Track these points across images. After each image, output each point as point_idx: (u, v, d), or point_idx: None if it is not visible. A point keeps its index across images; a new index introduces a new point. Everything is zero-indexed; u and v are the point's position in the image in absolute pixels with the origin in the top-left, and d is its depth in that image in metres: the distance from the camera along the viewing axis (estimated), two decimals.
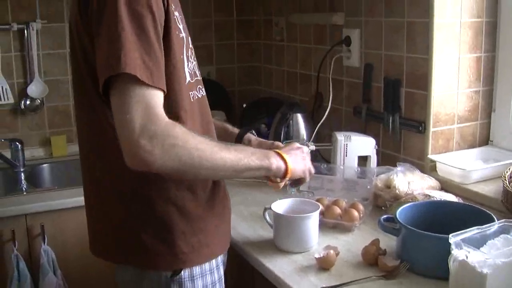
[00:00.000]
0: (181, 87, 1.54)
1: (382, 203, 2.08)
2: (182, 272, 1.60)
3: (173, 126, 1.40)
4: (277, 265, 1.74)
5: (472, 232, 1.52)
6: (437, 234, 1.57)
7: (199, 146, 1.44)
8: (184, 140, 1.41)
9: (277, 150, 1.67)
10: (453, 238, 1.48)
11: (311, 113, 2.72)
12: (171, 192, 1.55)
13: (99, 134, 1.55)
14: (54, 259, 2.46)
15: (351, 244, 1.85)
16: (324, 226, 1.96)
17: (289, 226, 1.80)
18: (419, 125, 2.26)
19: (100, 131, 1.54)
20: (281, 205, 1.86)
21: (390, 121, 2.38)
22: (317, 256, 1.71)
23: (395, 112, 2.37)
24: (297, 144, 1.79)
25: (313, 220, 1.81)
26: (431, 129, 2.24)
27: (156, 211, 1.55)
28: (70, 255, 2.52)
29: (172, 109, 1.49)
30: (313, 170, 1.78)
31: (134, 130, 1.33)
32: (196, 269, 1.62)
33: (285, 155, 1.65)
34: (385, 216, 1.77)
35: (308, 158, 1.77)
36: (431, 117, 2.23)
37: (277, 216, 1.83)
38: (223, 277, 1.74)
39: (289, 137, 2.42)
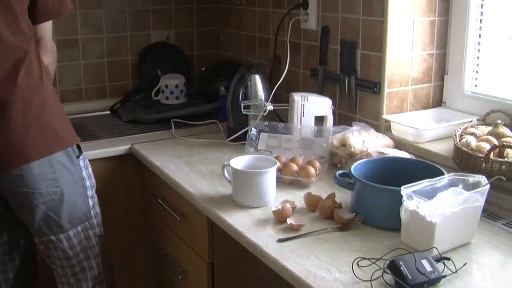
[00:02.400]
0: None
1: (338, 161, 2.14)
2: None
3: None
4: (236, 219, 1.79)
5: (423, 184, 1.59)
6: (389, 187, 1.64)
7: None
8: None
9: None
10: (405, 190, 1.54)
11: (269, 76, 2.75)
12: None
13: None
14: None
15: None
16: (282, 183, 2.02)
17: (247, 181, 1.85)
18: (374, 86, 2.32)
19: None
20: (239, 162, 1.90)
21: (346, 82, 2.44)
22: (273, 209, 1.76)
23: (351, 74, 2.42)
24: None
25: (270, 176, 1.85)
26: (386, 90, 2.30)
27: None
28: None
29: None
30: None
31: None
32: None
33: None
34: (340, 171, 1.83)
35: None
36: (386, 78, 2.29)
37: (235, 172, 1.87)
38: None
39: (247, 97, 2.45)
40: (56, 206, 2.02)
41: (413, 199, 1.53)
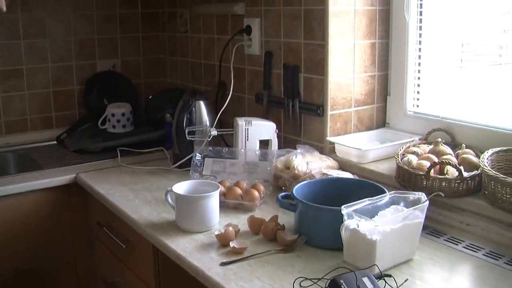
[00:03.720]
0: None
1: (282, 183, 2.14)
2: None
3: None
4: (179, 245, 1.76)
5: (364, 203, 1.60)
6: (330, 207, 1.64)
7: None
8: None
9: None
10: (345, 209, 1.55)
11: (215, 102, 2.75)
12: None
13: None
14: None
15: None
16: (226, 207, 2.01)
17: (190, 206, 1.83)
18: (318, 109, 2.34)
19: None
20: (182, 187, 1.89)
21: (290, 105, 2.45)
22: (216, 233, 1.75)
23: (295, 97, 2.43)
24: None
25: (213, 200, 1.84)
26: (329, 112, 2.32)
27: None
28: None
29: None
30: None
31: None
32: None
33: None
34: (283, 193, 1.82)
35: None
36: (329, 101, 2.31)
37: (178, 197, 1.85)
38: None
39: (192, 123, 2.44)
40: None
41: (353, 217, 1.54)
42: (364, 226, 1.51)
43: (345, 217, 1.54)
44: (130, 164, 2.62)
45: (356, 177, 2.03)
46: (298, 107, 2.43)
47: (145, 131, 3.03)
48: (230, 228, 1.75)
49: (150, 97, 3.29)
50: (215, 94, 2.80)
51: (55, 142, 3.10)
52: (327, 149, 2.34)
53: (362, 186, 1.85)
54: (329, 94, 2.30)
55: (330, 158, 2.21)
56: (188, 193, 1.87)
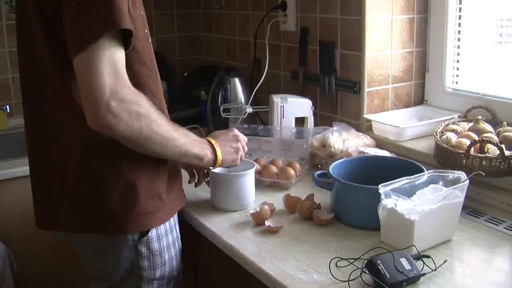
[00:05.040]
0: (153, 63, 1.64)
1: (318, 161, 2.11)
2: (150, 232, 1.62)
3: (139, 95, 1.42)
4: (214, 223, 1.76)
5: (402, 182, 1.57)
6: (367, 186, 1.61)
7: (159, 121, 1.47)
8: (148, 111, 1.44)
9: (211, 141, 1.70)
10: (383, 188, 1.52)
11: (250, 79, 2.73)
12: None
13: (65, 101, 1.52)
14: None
15: None
16: (261, 185, 1.99)
17: (225, 184, 1.82)
18: (354, 86, 2.30)
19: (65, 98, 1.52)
20: None
21: (326, 82, 2.42)
22: (252, 211, 1.73)
23: (331, 74, 2.40)
24: (234, 132, 1.80)
25: (249, 178, 1.83)
26: (366, 89, 2.28)
27: (122, 171, 1.54)
28: (13, 227, 2.48)
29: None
30: (243, 156, 1.81)
31: (105, 91, 1.34)
32: (161, 228, 1.65)
33: (217, 148, 1.68)
34: (319, 172, 1.80)
35: (243, 145, 1.79)
36: (366, 77, 2.27)
37: (213, 176, 1.84)
38: (179, 234, 1.76)
39: (227, 101, 2.43)
40: None
41: (391, 197, 1.51)
42: (402, 205, 1.48)
43: (383, 196, 1.52)
44: None
45: (394, 156, 1.99)
46: (334, 84, 2.39)
47: (180, 108, 3.01)
48: (266, 207, 1.73)
49: (185, 74, 3.28)
50: (250, 71, 2.77)
51: None
52: (364, 127, 2.30)
53: (399, 164, 1.81)
54: (366, 70, 2.26)
55: (367, 136, 2.17)
56: (224, 172, 1.86)
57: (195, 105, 2.95)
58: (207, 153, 1.65)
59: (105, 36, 1.34)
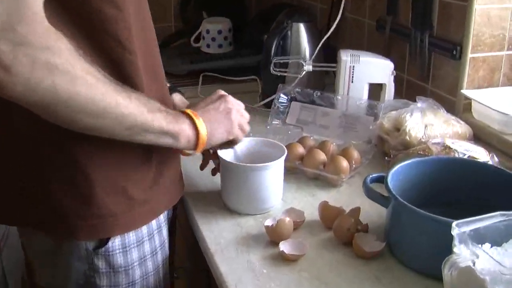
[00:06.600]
0: None
1: (388, 149, 1.54)
2: (111, 242, 1.12)
3: (57, 38, 0.89)
4: (214, 231, 1.25)
5: (492, 220, 0.96)
6: (436, 216, 1.03)
7: (90, 79, 0.93)
8: (67, 62, 0.90)
9: (189, 111, 1.14)
10: (457, 229, 0.92)
11: (327, 25, 2.13)
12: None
13: None
14: None
15: None
16: (302, 177, 1.45)
17: (237, 178, 1.28)
18: (454, 48, 1.67)
19: None
20: (235, 147, 1.33)
21: (418, 40, 1.79)
22: (267, 224, 1.20)
23: (425, 29, 1.76)
24: (220, 93, 1.25)
25: (272, 172, 1.28)
26: (470, 54, 1.64)
27: (70, 153, 1.06)
28: None
29: None
30: (246, 127, 1.26)
31: None
32: (130, 236, 1.15)
33: (197, 120, 1.13)
34: (375, 175, 1.22)
35: (236, 108, 1.23)
36: (471, 38, 1.63)
37: (223, 164, 1.31)
38: (167, 240, 1.26)
39: (286, 52, 1.86)
40: None
41: (468, 246, 0.91)
42: (483, 264, 0.89)
43: (455, 242, 0.93)
44: None
45: (494, 157, 1.37)
46: (427, 42, 1.76)
47: (244, 54, 2.47)
48: (287, 220, 1.18)
49: (258, 12, 2.71)
50: (328, 15, 2.18)
51: None
52: (460, 107, 1.68)
53: (500, 179, 1.20)
54: (473, 28, 1.62)
55: (461, 122, 1.55)
56: (240, 158, 1.32)
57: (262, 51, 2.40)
58: (183, 127, 1.10)
59: None
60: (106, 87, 0.96)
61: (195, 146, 1.13)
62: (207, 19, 2.59)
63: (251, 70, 2.29)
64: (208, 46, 2.54)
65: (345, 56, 1.71)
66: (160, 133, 1.07)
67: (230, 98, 1.23)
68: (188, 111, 1.13)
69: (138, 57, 1.09)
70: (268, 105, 1.86)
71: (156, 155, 1.15)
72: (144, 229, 1.17)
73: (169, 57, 2.51)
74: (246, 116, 1.25)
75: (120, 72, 1.06)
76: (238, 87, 2.21)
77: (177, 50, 2.60)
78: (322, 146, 1.50)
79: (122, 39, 1.05)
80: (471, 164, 1.28)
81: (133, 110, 1.01)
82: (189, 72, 2.35)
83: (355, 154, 1.47)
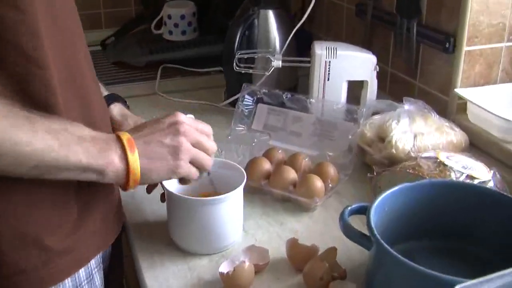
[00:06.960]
0: None
1: (371, 162, 1.31)
2: None
3: None
4: (161, 276, 1.01)
5: (503, 279, 0.74)
6: (433, 273, 0.80)
7: None
8: None
9: (124, 138, 0.89)
10: None
11: (301, 9, 1.89)
12: None
13: None
14: None
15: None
16: (270, 198, 1.22)
17: (185, 213, 1.04)
18: (447, 40, 1.44)
19: None
20: None
21: (404, 28, 1.55)
22: (222, 270, 0.96)
23: (413, 16, 1.53)
24: (175, 118, 0.96)
25: (228, 205, 1.04)
26: (465, 47, 1.41)
27: None
28: None
29: None
30: (206, 162, 0.98)
31: None
32: None
33: (130, 154, 0.88)
34: (354, 206, 0.99)
35: (194, 140, 0.96)
36: (466, 27, 1.40)
37: (168, 195, 1.07)
38: (103, 281, 1.02)
39: (252, 45, 1.61)
40: None
41: None
42: None
43: None
44: (172, 92, 1.87)
45: (495, 172, 1.14)
46: (415, 32, 1.53)
47: (210, 41, 2.23)
48: (246, 265, 0.95)
49: None
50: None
51: (99, 47, 2.36)
52: (454, 107, 1.46)
53: (500, 205, 0.98)
54: (468, 17, 1.39)
55: (455, 129, 1.32)
56: (186, 190, 1.07)
57: None
58: (110, 159, 0.86)
59: None
60: (7, 113, 0.74)
61: (125, 184, 0.89)
62: (168, 2, 2.34)
63: (218, 60, 2.04)
64: (170, 33, 2.30)
65: (320, 50, 1.47)
66: (79, 170, 0.83)
67: (186, 127, 0.94)
68: (124, 138, 0.89)
69: (52, 71, 0.84)
70: (235, 104, 1.62)
71: (78, 193, 0.91)
72: (68, 282, 0.94)
73: (127, 45, 2.27)
74: (210, 147, 0.99)
75: (25, 89, 0.82)
76: (202, 80, 2.00)
77: (136, 38, 2.34)
78: (292, 160, 1.26)
79: (26, 49, 0.81)
80: (469, 188, 1.05)
81: (38, 146, 0.77)
82: (148, 63, 2.11)
83: (332, 171, 1.23)
